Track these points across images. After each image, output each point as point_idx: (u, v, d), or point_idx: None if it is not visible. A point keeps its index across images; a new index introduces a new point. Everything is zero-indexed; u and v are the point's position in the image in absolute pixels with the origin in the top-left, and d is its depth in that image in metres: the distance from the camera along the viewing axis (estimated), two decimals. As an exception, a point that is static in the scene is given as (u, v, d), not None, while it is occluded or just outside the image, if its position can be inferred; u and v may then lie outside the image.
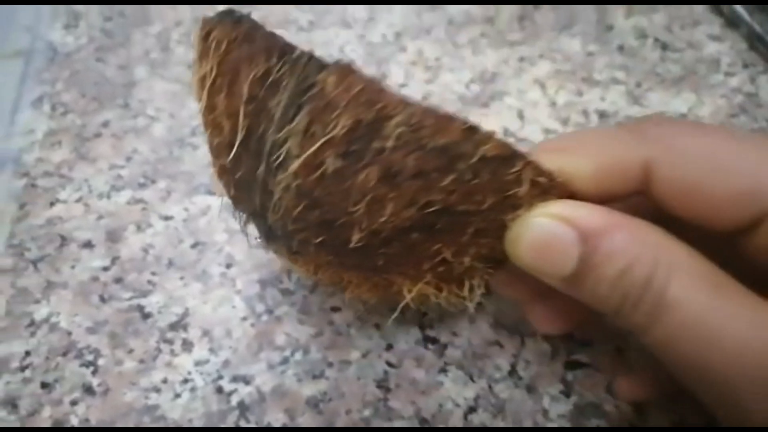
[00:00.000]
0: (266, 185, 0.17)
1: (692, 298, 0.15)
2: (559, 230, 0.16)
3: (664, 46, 0.37)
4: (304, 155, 0.15)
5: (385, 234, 0.16)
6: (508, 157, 0.16)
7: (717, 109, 0.33)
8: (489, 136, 0.15)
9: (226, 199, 0.20)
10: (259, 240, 0.20)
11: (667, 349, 0.16)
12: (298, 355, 0.24)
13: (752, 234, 0.16)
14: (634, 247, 0.16)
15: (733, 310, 0.15)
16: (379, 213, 0.16)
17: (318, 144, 0.15)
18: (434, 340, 0.24)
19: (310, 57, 0.15)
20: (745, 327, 0.15)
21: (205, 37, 0.17)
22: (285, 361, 0.24)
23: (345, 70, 0.15)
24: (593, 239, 0.16)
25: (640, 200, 0.17)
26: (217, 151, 0.18)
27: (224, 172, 0.19)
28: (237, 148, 0.17)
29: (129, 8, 0.40)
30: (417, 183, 0.15)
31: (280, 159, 0.16)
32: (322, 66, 0.15)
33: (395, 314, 0.20)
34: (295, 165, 0.16)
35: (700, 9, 0.39)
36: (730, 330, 0.15)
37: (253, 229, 0.19)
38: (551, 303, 0.21)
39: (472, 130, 0.15)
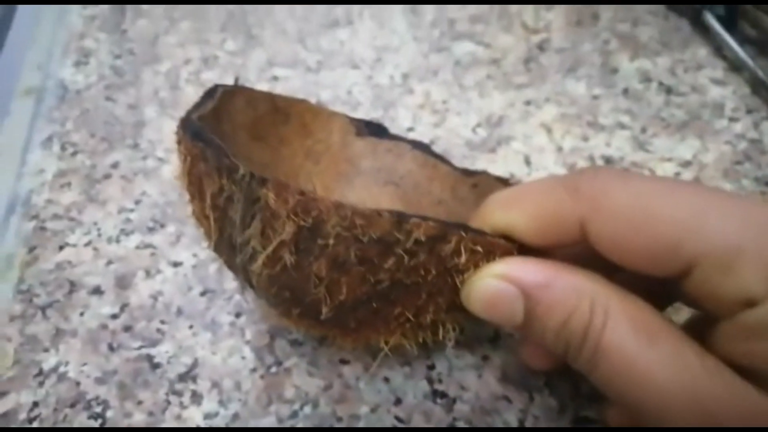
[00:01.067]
0: (246, 271, 0.19)
1: (624, 345, 0.16)
2: (502, 288, 0.18)
3: (669, 90, 0.37)
4: (265, 253, 0.18)
5: (348, 305, 0.19)
6: (441, 236, 0.17)
7: (721, 155, 0.33)
8: (419, 222, 0.17)
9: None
10: None
11: (608, 389, 0.17)
12: (307, 409, 0.24)
13: (685, 280, 0.17)
14: (572, 299, 0.17)
15: (661, 355, 0.16)
16: (338, 292, 0.18)
17: (273, 245, 0.18)
18: (443, 395, 0.24)
19: (252, 175, 0.18)
20: (671, 371, 0.16)
21: (178, 145, 0.20)
22: (294, 414, 0.24)
23: (281, 186, 0.17)
24: (534, 293, 0.18)
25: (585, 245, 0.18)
26: (206, 237, 0.21)
27: (215, 252, 0.21)
28: (215, 242, 0.20)
29: (138, 46, 0.40)
30: (363, 267, 0.18)
31: (249, 254, 0.18)
32: (263, 181, 0.17)
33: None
34: (260, 260, 0.18)
35: (703, 52, 0.40)
36: (657, 374, 0.16)
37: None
38: None
39: (402, 219, 0.17)
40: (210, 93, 0.23)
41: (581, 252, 0.19)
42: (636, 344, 0.16)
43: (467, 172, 0.28)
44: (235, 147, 0.24)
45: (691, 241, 0.16)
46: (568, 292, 0.17)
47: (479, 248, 0.18)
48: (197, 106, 0.21)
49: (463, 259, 0.18)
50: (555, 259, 0.19)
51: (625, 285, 0.18)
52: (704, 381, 0.16)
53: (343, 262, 0.18)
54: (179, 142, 0.20)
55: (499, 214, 0.19)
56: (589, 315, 0.17)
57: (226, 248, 0.20)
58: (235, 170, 0.18)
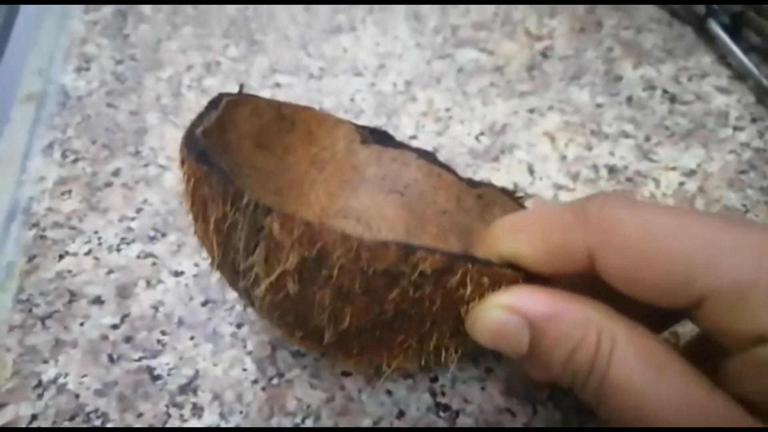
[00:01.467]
0: (248, 294, 0.19)
1: (631, 378, 0.16)
2: (508, 320, 0.18)
3: (673, 98, 0.37)
4: (268, 280, 0.18)
5: (352, 333, 0.19)
6: (447, 268, 0.17)
7: (726, 165, 0.33)
8: (425, 255, 0.17)
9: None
10: None
11: (615, 422, 0.18)
12: (309, 422, 0.23)
13: (695, 312, 0.17)
14: (578, 331, 0.17)
15: (669, 388, 0.16)
16: (342, 321, 0.18)
17: (276, 273, 0.17)
18: (446, 407, 0.24)
19: (256, 204, 0.17)
20: (679, 405, 0.16)
21: (182, 163, 0.20)
22: (296, 427, 0.23)
23: (286, 217, 0.17)
24: (540, 325, 0.17)
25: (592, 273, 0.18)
26: (208, 256, 0.21)
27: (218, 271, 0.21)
28: (218, 264, 0.20)
29: (140, 52, 0.40)
30: (367, 298, 0.18)
31: (252, 279, 0.18)
32: (267, 211, 0.17)
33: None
34: (263, 286, 0.18)
35: (707, 60, 0.40)
36: (665, 408, 0.16)
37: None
38: None
39: (408, 252, 0.17)
40: (214, 103, 0.22)
41: (587, 279, 0.18)
42: (643, 377, 0.16)
43: (472, 183, 0.27)
44: (239, 156, 0.24)
45: (704, 276, 0.16)
46: (575, 323, 0.17)
47: (485, 279, 0.18)
48: (201, 117, 0.21)
49: (468, 290, 0.18)
50: (561, 287, 0.18)
51: (630, 307, 0.17)
52: (713, 415, 0.16)
53: (348, 292, 0.17)
54: (183, 161, 0.20)
55: (506, 241, 0.19)
56: (595, 347, 0.17)
57: (229, 271, 0.20)
58: (239, 197, 0.17)
